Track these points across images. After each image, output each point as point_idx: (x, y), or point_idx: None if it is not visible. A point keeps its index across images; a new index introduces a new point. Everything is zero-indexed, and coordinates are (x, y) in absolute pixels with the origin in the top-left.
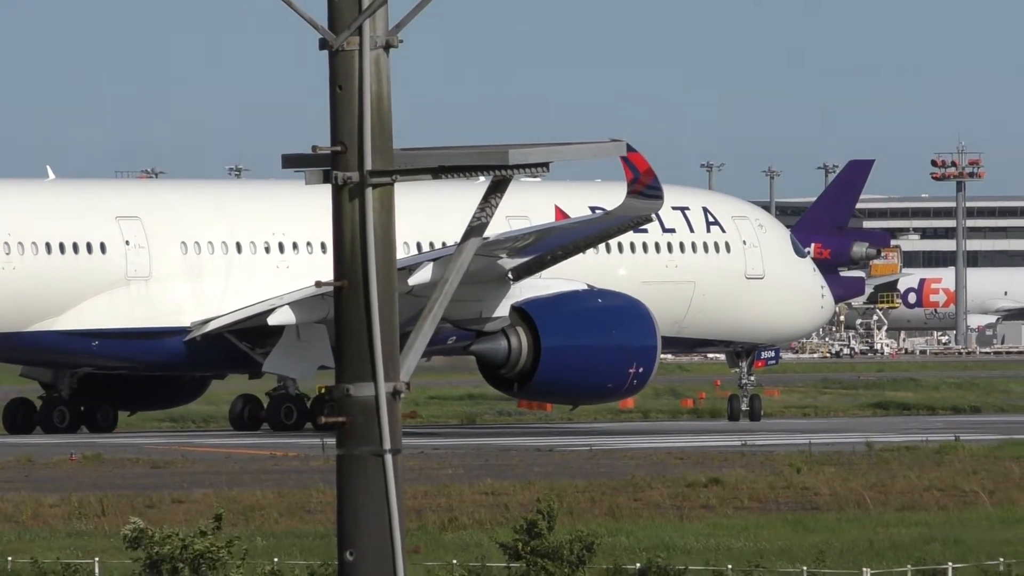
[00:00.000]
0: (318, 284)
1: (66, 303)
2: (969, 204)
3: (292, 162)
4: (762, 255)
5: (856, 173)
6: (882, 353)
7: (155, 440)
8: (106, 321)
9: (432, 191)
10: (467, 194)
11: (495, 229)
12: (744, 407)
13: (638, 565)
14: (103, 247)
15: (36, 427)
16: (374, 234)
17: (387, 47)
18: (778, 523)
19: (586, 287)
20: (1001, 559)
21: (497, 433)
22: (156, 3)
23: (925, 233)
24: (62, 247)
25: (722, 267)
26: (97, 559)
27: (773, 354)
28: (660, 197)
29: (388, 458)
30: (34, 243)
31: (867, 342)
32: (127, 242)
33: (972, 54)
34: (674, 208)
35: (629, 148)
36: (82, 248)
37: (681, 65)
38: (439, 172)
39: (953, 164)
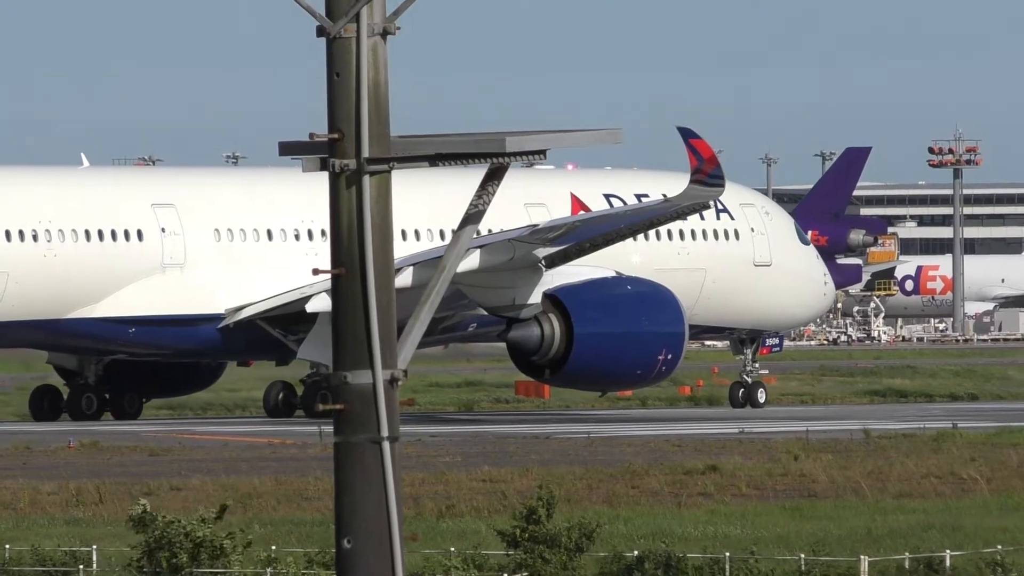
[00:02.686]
0: (315, 272)
1: (104, 290)
2: (966, 191)
3: (289, 149)
4: (769, 242)
5: (853, 160)
6: (879, 340)
7: (153, 428)
8: (142, 308)
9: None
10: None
11: (514, 216)
12: (743, 393)
13: (636, 552)
14: (140, 234)
15: (62, 414)
16: (371, 221)
17: (384, 34)
18: (776, 510)
19: (615, 274)
20: (999, 546)
21: (495, 420)
22: None
23: (922, 220)
24: (100, 234)
25: (731, 254)
26: (95, 546)
27: (777, 341)
28: (722, 185)
29: (386, 445)
30: (73, 230)
31: (864, 329)
32: (163, 229)
33: (970, 41)
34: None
35: (692, 134)
36: (120, 235)
37: (678, 52)
38: (436, 159)
39: (950, 151)
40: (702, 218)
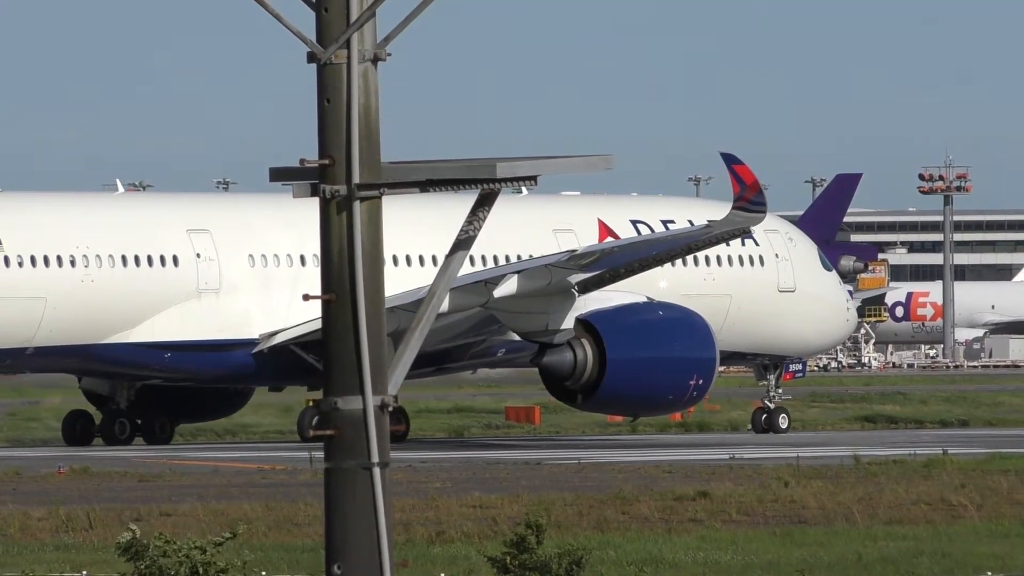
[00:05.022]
0: (305, 297)
1: (140, 316)
2: (956, 218)
3: (280, 175)
4: (793, 268)
5: (844, 187)
6: (870, 367)
7: (143, 453)
8: (178, 333)
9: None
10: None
11: (544, 242)
12: (765, 419)
13: None
14: (175, 260)
15: (95, 439)
16: (362, 247)
17: (375, 60)
18: (766, 537)
19: (646, 299)
20: (989, 572)
21: (485, 446)
22: (141, 16)
23: (912, 247)
24: (137, 260)
25: (756, 280)
26: (85, 572)
27: (800, 367)
28: (764, 211)
29: (376, 471)
30: (110, 256)
31: (855, 356)
32: (198, 255)
33: (960, 68)
34: (710, 221)
35: (735, 160)
36: (156, 261)
37: (668, 78)
38: (427, 185)
39: (940, 178)
40: (727, 244)
